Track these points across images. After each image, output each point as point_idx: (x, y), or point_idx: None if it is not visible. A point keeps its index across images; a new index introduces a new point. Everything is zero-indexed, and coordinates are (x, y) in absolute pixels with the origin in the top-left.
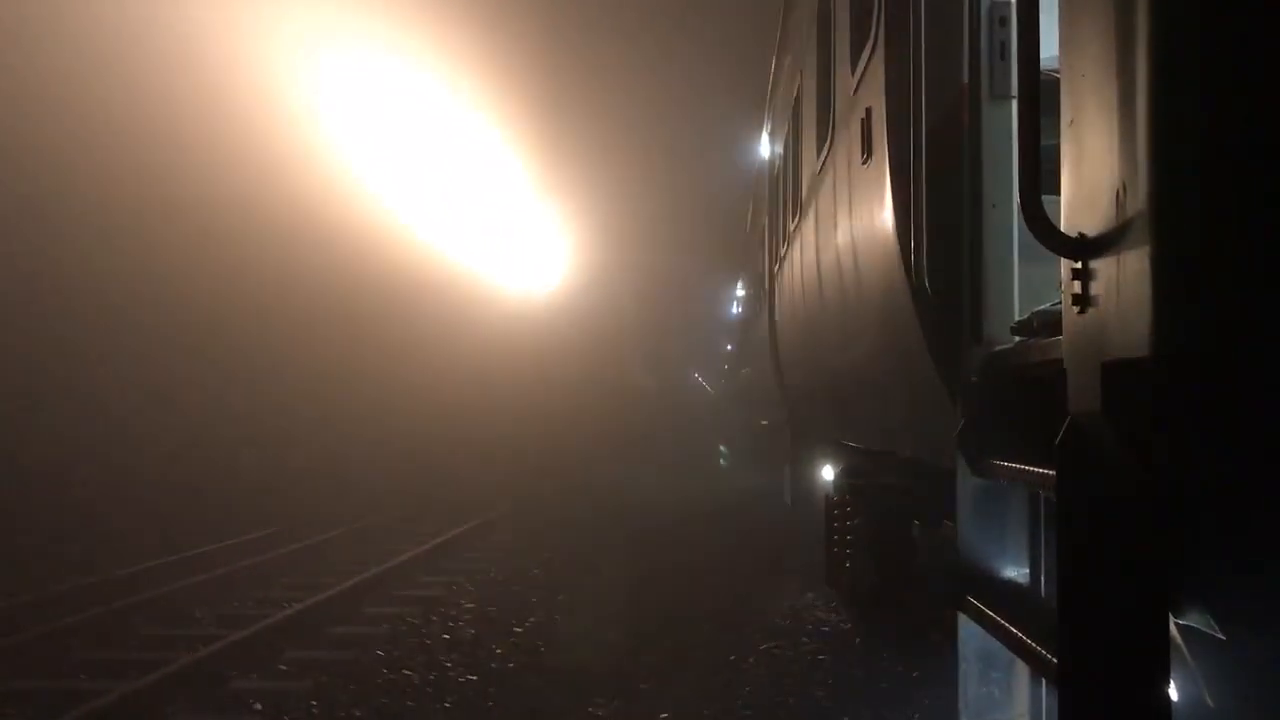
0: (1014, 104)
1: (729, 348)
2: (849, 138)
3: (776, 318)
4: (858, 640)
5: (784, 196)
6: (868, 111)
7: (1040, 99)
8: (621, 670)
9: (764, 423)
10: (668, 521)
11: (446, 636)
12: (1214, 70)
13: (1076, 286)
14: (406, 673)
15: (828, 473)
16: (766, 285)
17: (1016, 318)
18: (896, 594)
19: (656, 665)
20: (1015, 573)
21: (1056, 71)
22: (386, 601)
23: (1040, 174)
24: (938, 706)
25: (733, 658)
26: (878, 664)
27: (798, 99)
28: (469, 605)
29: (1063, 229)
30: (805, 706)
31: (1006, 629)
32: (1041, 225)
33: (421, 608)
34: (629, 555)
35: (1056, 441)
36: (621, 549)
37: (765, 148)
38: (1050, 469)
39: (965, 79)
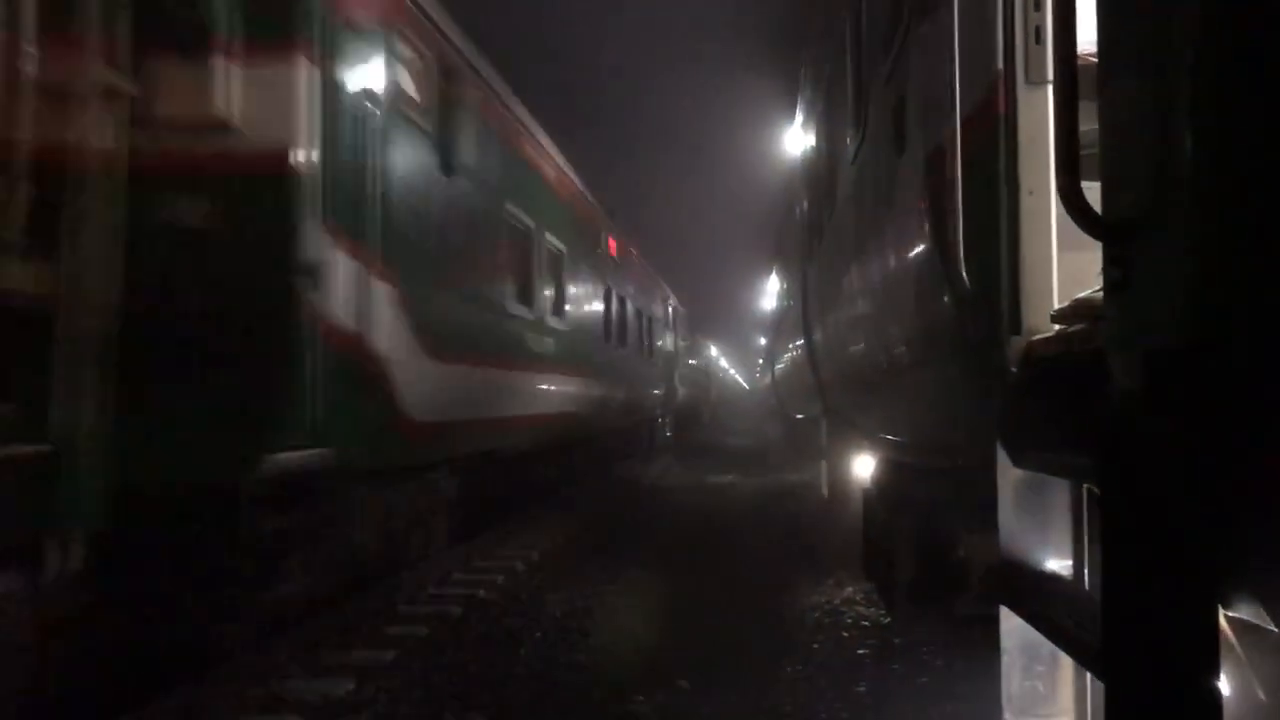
0: (1050, 89)
1: (762, 341)
2: (882, 127)
3: (811, 310)
4: (896, 634)
5: (817, 188)
6: (901, 100)
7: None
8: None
9: (798, 416)
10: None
11: None
12: (1258, 51)
13: (1117, 273)
14: None
15: (865, 466)
16: (800, 278)
17: (1056, 306)
18: (936, 587)
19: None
20: (1058, 565)
21: (1093, 56)
22: None
23: (1079, 159)
24: (980, 701)
25: (771, 655)
26: (918, 657)
27: (829, 89)
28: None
29: (1102, 214)
30: (847, 702)
31: (1050, 622)
32: (1081, 211)
33: None
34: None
35: (1100, 431)
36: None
37: (797, 140)
38: (1091, 459)
39: (1000, 65)
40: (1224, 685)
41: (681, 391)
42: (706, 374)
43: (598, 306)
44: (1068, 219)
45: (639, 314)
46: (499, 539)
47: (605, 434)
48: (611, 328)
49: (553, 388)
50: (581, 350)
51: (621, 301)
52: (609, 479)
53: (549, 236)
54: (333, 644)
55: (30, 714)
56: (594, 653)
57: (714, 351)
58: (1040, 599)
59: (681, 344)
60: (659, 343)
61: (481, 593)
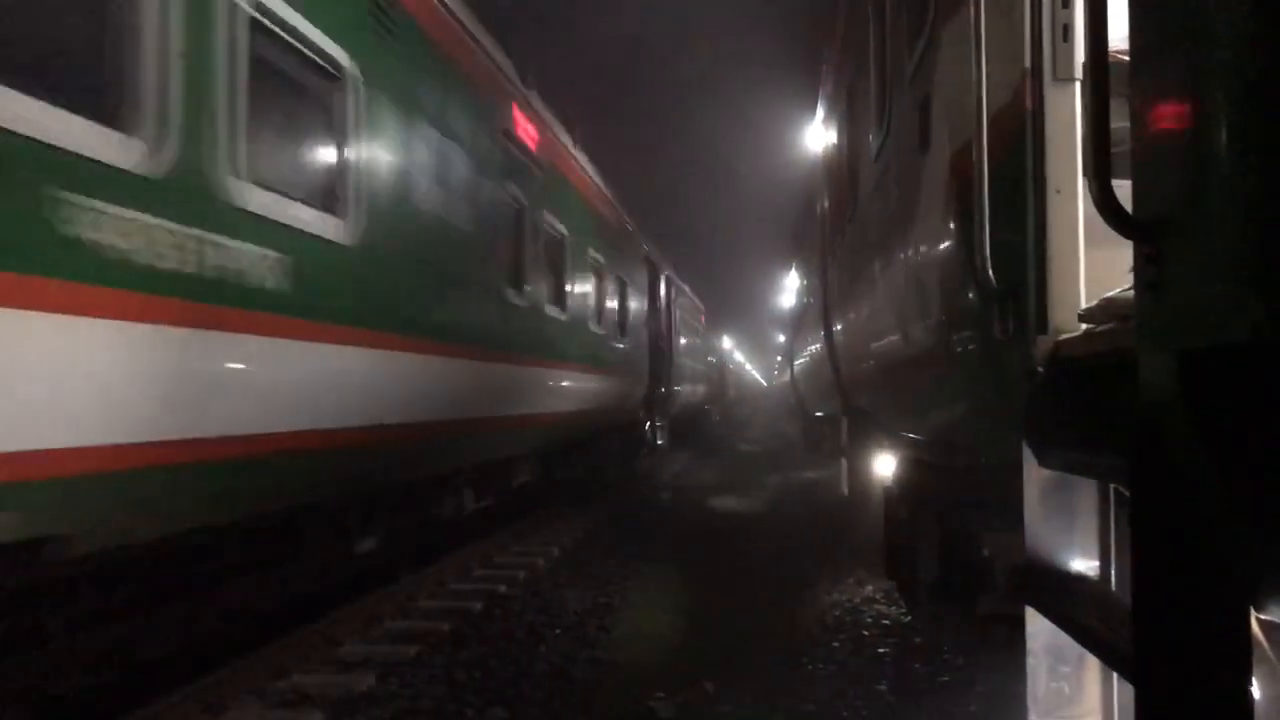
0: (1077, 87)
1: (781, 339)
2: (906, 125)
3: (832, 308)
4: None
5: (838, 185)
6: (925, 98)
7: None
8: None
9: (818, 414)
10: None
11: None
12: None
13: (1150, 272)
14: None
15: (886, 464)
16: (821, 276)
17: (1084, 305)
18: (958, 587)
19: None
20: (1084, 566)
21: (1122, 53)
22: None
23: (1110, 158)
24: (1003, 700)
25: (792, 654)
26: (940, 657)
27: (851, 87)
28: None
29: (1133, 213)
30: (868, 701)
31: (1078, 623)
32: (1112, 210)
33: None
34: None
35: (1130, 432)
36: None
37: (818, 137)
38: (1121, 460)
39: (1027, 62)
40: (1255, 688)
41: (687, 389)
42: (721, 370)
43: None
44: (1094, 217)
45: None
46: (518, 535)
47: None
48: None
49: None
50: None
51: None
52: (632, 479)
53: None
54: (354, 638)
55: (53, 708)
56: (615, 649)
57: (727, 344)
58: (1067, 600)
59: (686, 340)
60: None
61: (503, 588)
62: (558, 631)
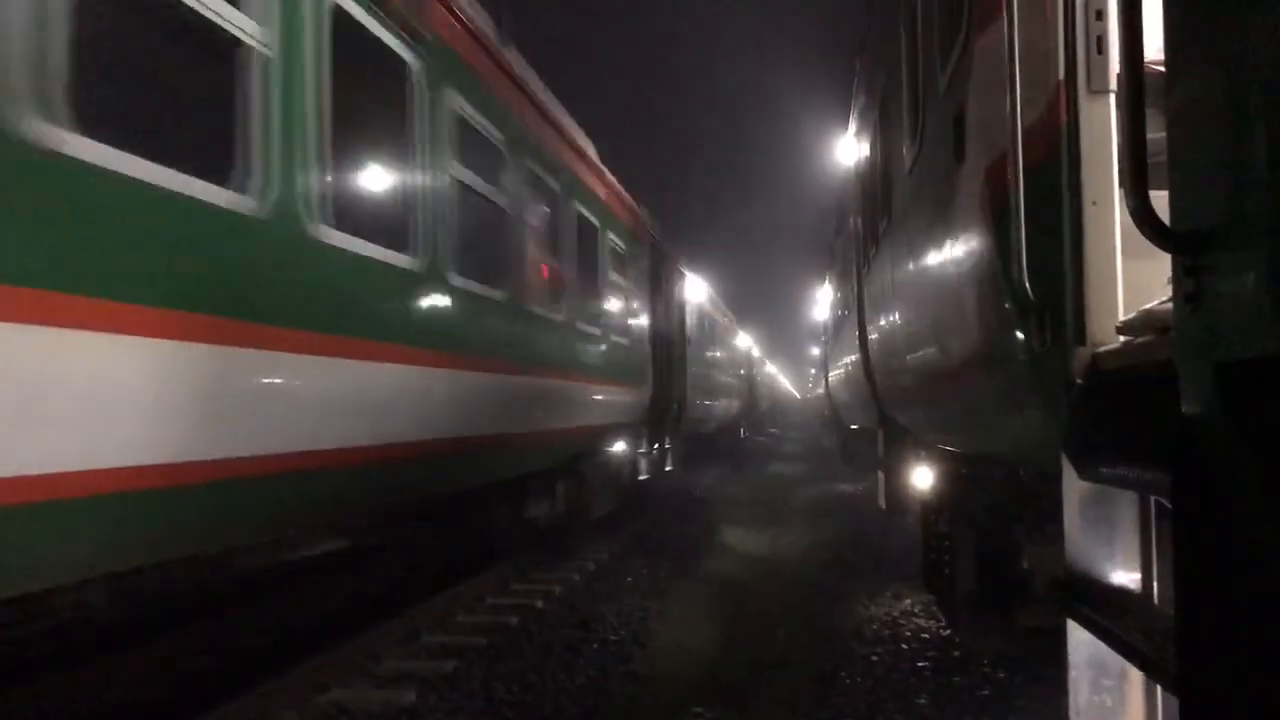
0: (1112, 99)
1: (815, 351)
2: (940, 138)
3: (867, 321)
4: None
5: (873, 199)
6: (960, 110)
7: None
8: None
9: (853, 426)
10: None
11: None
12: None
13: (1189, 284)
14: None
15: (924, 477)
16: (856, 288)
17: (1121, 317)
18: (998, 599)
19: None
20: (1125, 578)
21: (1156, 64)
22: None
23: (1147, 169)
24: (1043, 714)
25: (830, 668)
26: (979, 670)
27: (884, 99)
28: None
29: (1170, 225)
30: (908, 715)
31: (1120, 636)
32: (1150, 221)
33: None
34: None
35: (1170, 444)
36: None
37: (851, 150)
38: (1161, 472)
39: (1061, 75)
40: None
41: (722, 404)
42: (752, 385)
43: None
44: (1131, 228)
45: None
46: (555, 551)
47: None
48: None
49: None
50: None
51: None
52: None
53: None
54: (394, 653)
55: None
56: (651, 663)
57: (759, 356)
58: (1109, 613)
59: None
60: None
61: (539, 603)
62: (594, 646)
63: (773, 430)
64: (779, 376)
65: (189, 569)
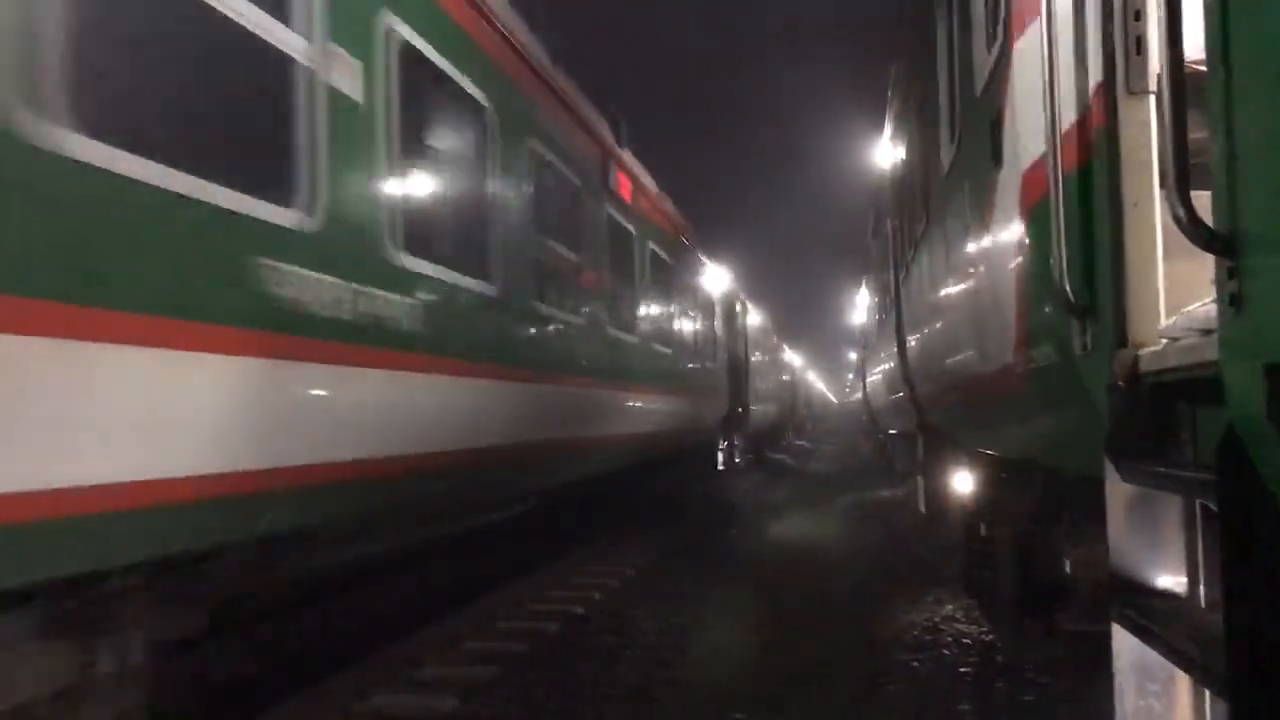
0: (1151, 99)
1: (852, 355)
2: (977, 140)
3: (905, 324)
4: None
5: (909, 202)
6: (997, 112)
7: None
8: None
9: (892, 431)
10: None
11: None
12: None
13: (1232, 286)
14: None
15: (964, 481)
16: (893, 292)
17: (1163, 319)
18: (1040, 603)
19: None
20: (1171, 581)
21: (1197, 63)
22: None
23: (1189, 170)
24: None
25: (871, 674)
26: (1022, 675)
27: (919, 102)
28: None
29: (1213, 226)
30: None
31: (1167, 640)
32: (1193, 222)
33: None
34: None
35: (1216, 446)
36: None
37: (887, 153)
38: (1206, 474)
39: (1100, 76)
40: None
41: (761, 409)
42: (793, 391)
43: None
44: (1172, 229)
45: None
46: (594, 555)
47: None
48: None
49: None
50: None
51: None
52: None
53: None
54: (435, 660)
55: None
56: (692, 669)
57: (798, 362)
58: (1155, 617)
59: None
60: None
61: (579, 609)
62: (635, 652)
63: (805, 441)
64: (816, 383)
65: (231, 577)
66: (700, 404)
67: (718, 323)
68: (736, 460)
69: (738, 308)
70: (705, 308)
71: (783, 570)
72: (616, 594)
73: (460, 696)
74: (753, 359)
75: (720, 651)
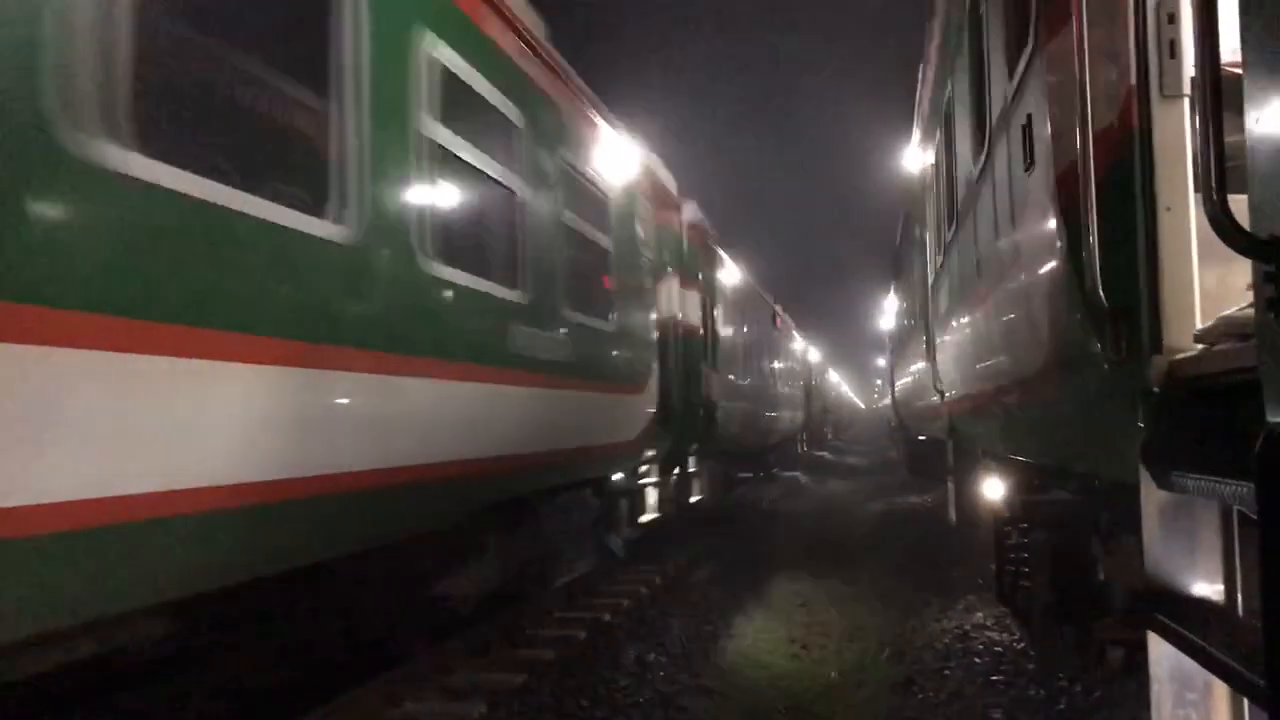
0: (1186, 103)
1: (880, 362)
2: (1008, 145)
3: (935, 330)
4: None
5: (938, 206)
6: (1029, 117)
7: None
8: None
9: (921, 438)
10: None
11: None
12: None
13: (1270, 290)
14: None
15: (995, 488)
16: (922, 297)
17: (1199, 324)
18: (1073, 611)
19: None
20: (1208, 589)
21: (1232, 65)
22: None
23: (1225, 174)
24: None
25: (903, 681)
26: (1054, 683)
27: (949, 106)
28: None
29: (1251, 229)
30: None
31: (1205, 648)
32: (1230, 227)
33: None
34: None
35: (1255, 452)
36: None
37: (915, 158)
38: (1245, 482)
39: (1133, 80)
40: None
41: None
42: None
43: None
44: (1206, 233)
45: None
46: (621, 563)
47: None
48: None
49: None
50: None
51: None
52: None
53: None
54: (465, 667)
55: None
56: (722, 677)
57: (825, 368)
58: (1192, 626)
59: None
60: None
61: (607, 617)
62: (663, 659)
63: (836, 443)
64: (841, 387)
65: (259, 586)
66: (785, 415)
67: (777, 344)
68: (803, 449)
69: (792, 332)
70: (781, 343)
71: (811, 576)
72: (644, 602)
73: (489, 703)
74: (816, 384)
75: (749, 659)
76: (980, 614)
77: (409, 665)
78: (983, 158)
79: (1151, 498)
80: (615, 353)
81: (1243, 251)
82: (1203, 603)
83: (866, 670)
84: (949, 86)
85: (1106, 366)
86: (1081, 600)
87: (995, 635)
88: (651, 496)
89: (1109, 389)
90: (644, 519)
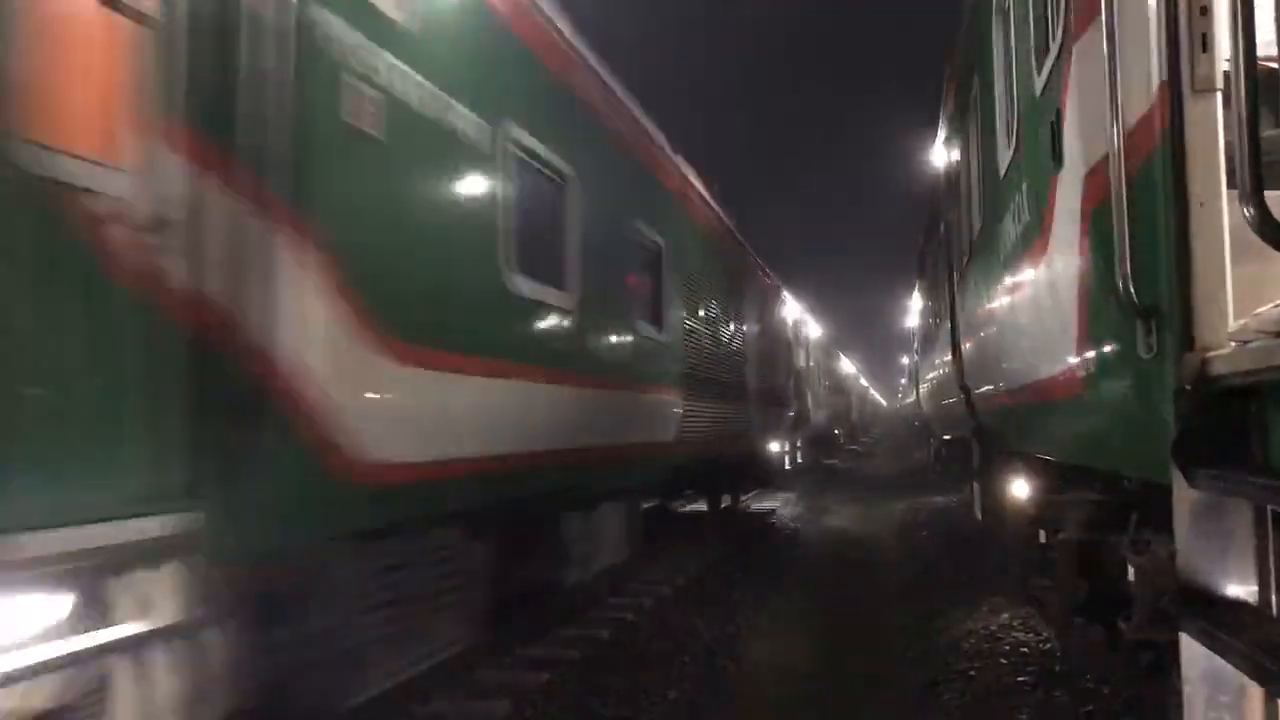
0: (1218, 97)
1: (904, 361)
2: (1036, 141)
3: (960, 328)
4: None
5: (965, 205)
6: (1057, 113)
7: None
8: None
9: (946, 437)
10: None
11: None
12: None
13: None
14: None
15: (1021, 488)
16: (947, 295)
17: (1231, 321)
18: (1102, 612)
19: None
20: (1241, 590)
21: (1267, 60)
22: None
23: (1261, 169)
24: None
25: (928, 682)
26: (1082, 684)
27: (975, 102)
28: None
29: None
30: None
31: (1239, 650)
32: (1266, 223)
33: None
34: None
35: None
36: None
37: (940, 155)
38: (1276, 480)
39: (1164, 74)
40: None
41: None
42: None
43: None
44: (1239, 230)
45: None
46: (644, 565)
47: None
48: None
49: None
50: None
51: None
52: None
53: None
54: (487, 665)
55: None
56: (746, 677)
57: (850, 369)
58: (1225, 627)
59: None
60: None
61: (629, 616)
62: (686, 659)
63: (863, 442)
64: (867, 387)
65: (290, 580)
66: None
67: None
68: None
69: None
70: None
71: (835, 575)
72: (667, 602)
73: (513, 701)
74: (856, 397)
75: (773, 661)
76: (1006, 614)
77: (434, 662)
78: (1010, 153)
79: (1183, 497)
80: None
81: (1278, 247)
82: (1235, 603)
83: (891, 670)
84: (975, 82)
85: (1137, 364)
86: (1110, 601)
87: (1022, 635)
88: None
89: (1140, 387)
90: None
